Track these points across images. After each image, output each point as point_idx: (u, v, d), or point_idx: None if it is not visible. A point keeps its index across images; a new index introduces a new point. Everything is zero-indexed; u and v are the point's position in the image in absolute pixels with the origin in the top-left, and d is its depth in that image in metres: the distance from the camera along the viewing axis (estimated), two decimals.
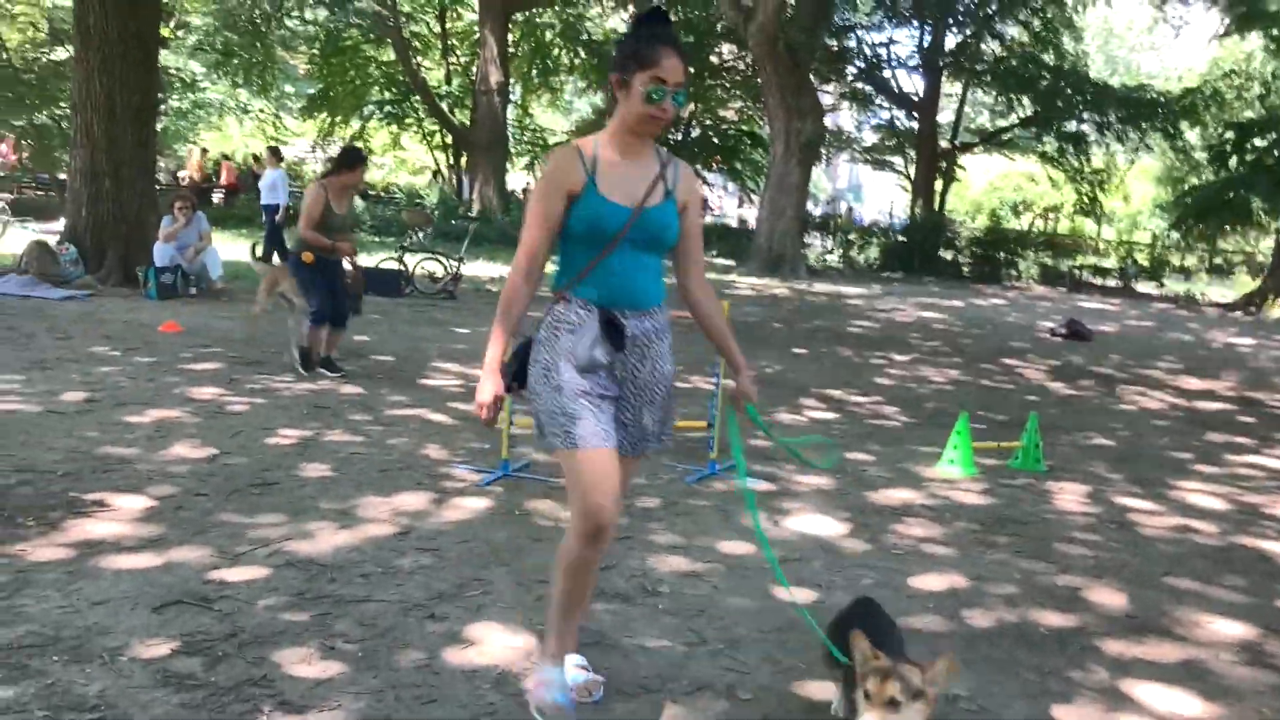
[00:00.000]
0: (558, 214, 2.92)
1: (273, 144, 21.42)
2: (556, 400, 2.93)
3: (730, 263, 25.12)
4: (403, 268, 13.59)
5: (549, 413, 2.96)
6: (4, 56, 24.82)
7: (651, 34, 2.91)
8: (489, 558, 4.29)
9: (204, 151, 34.76)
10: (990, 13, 31.17)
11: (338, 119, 34.57)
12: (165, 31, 27.80)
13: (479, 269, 17.99)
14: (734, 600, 4.06)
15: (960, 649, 3.73)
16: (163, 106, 31.87)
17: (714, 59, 34.03)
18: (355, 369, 8.15)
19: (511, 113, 35.08)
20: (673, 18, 25.00)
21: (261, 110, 34.49)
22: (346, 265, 8.05)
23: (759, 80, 24.80)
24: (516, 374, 3.07)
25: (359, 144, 36.10)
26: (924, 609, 4.13)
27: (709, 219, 40.15)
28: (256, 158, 28.71)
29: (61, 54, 24.60)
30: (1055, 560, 4.86)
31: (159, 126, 32.00)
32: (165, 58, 29.50)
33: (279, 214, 15.39)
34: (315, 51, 33.13)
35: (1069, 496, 6.05)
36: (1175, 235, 31.29)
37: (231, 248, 16.26)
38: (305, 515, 4.65)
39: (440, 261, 13.91)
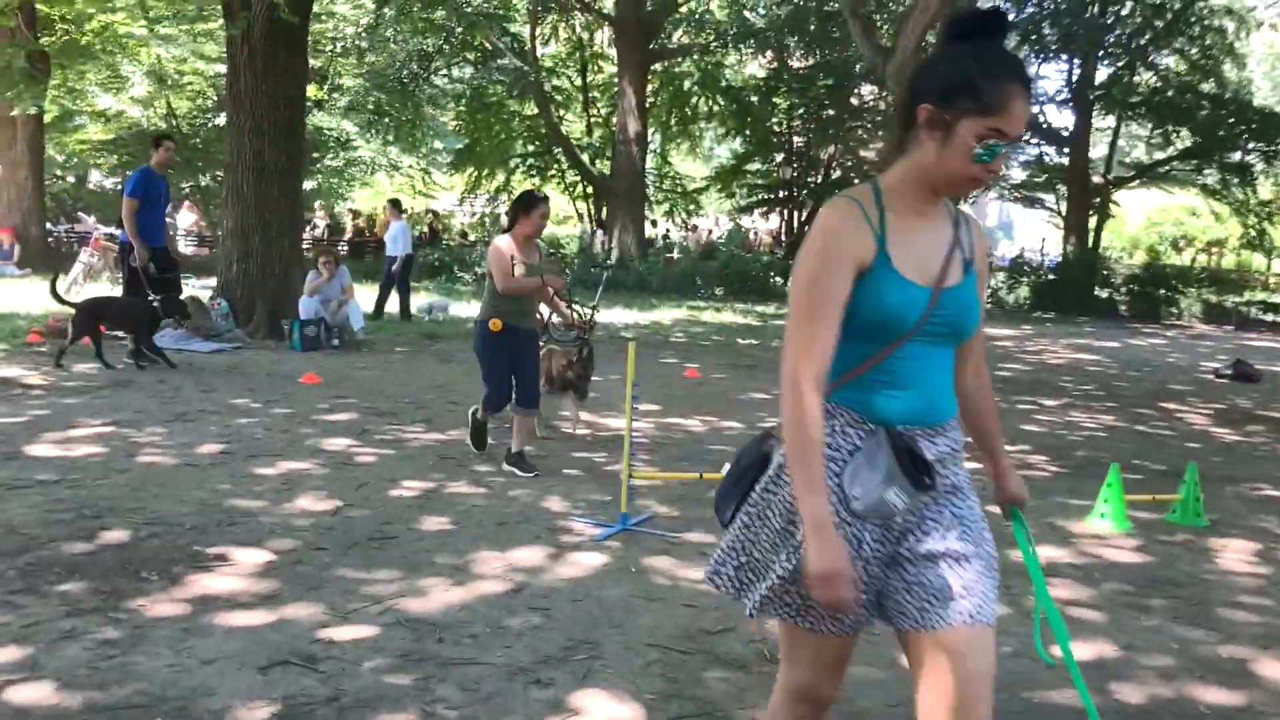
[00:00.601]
0: (844, 295, 2.11)
1: (394, 197, 22.02)
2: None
3: None
4: (538, 316, 13.64)
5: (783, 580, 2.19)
6: (173, 122, 26.27)
7: (1003, 63, 2.08)
8: (600, 619, 4.15)
9: (354, 215, 36.20)
10: (1144, 43, 30.01)
11: (484, 172, 35.48)
12: (318, 93, 29.10)
13: (614, 315, 18.03)
14: (857, 669, 3.80)
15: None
16: (317, 165, 33.37)
17: (854, 100, 33.72)
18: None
19: (651, 161, 35.42)
20: (810, 59, 24.88)
21: (410, 166, 35.61)
22: (555, 318, 8.11)
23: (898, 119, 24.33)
24: (737, 504, 2.37)
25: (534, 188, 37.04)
26: (1066, 681, 3.79)
27: None
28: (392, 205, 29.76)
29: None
30: (1218, 627, 4.44)
31: (313, 185, 33.62)
32: (319, 118, 30.87)
33: (397, 264, 15.74)
34: (461, 108, 34.14)
35: (1234, 555, 5.57)
36: None
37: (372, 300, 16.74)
38: (420, 570, 4.60)
39: (575, 309, 13.95)
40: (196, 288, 14.97)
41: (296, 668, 3.56)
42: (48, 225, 21.15)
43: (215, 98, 27.93)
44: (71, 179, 30.90)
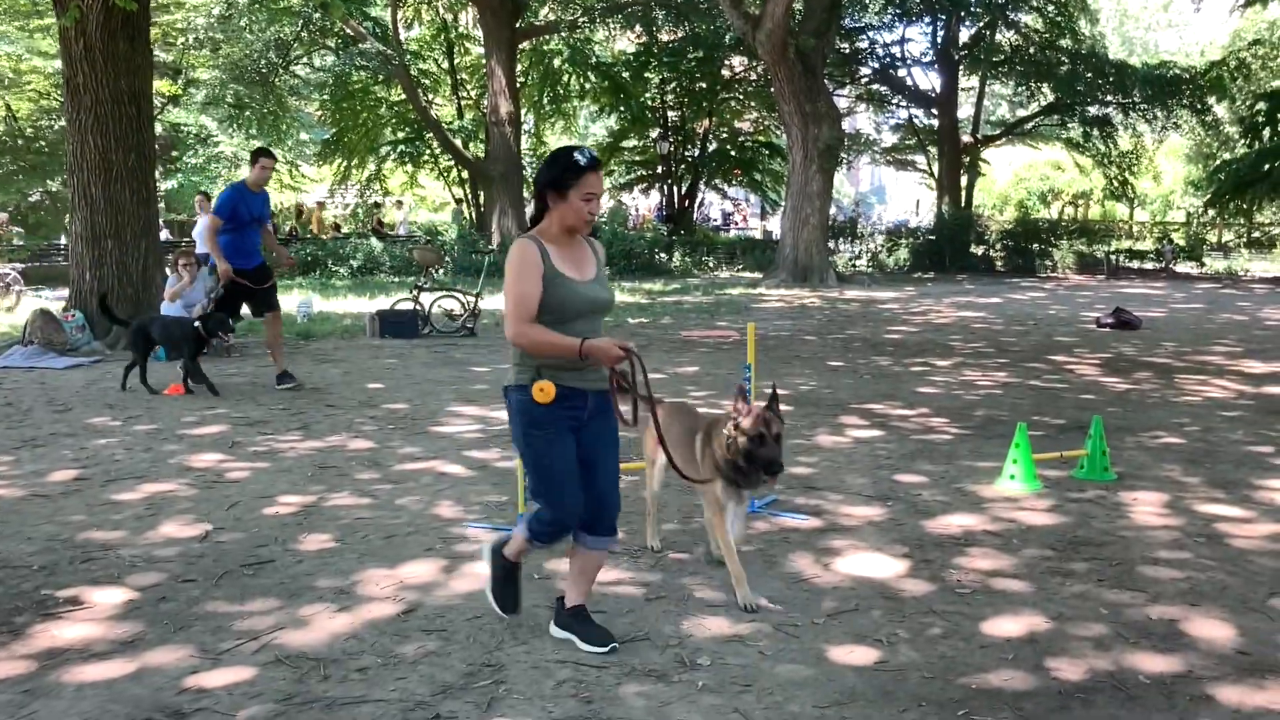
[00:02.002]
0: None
1: (205, 189, 21.08)
2: None
3: (756, 275, 24.59)
4: (419, 307, 13.17)
5: None
6: (15, 125, 24.79)
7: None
8: (503, 636, 3.80)
9: (320, 205, 34.86)
10: (1003, 2, 30.55)
11: (354, 162, 34.45)
12: (172, 89, 27.81)
13: (495, 302, 17.54)
14: (784, 668, 3.54)
15: (1050, 713, 3.19)
16: (177, 163, 31.96)
17: (725, 72, 33.63)
18: (365, 420, 7.70)
19: (527, 142, 34.80)
20: (679, 32, 24.62)
21: (281, 160, 34.37)
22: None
23: (772, 89, 24.31)
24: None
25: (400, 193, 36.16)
26: (1002, 661, 3.59)
27: (734, 233, 39.71)
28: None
29: None
30: (1143, 587, 4.31)
31: (173, 184, 32.21)
32: (175, 114, 29.55)
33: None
34: (325, 98, 33.04)
35: (1146, 508, 5.49)
36: (1211, 212, 30.46)
37: None
38: (300, 597, 4.17)
39: (457, 298, 13.49)
40: (48, 299, 14.03)
41: None
42: None
43: (60, 98, 26.49)
44: None
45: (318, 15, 27.55)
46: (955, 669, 3.53)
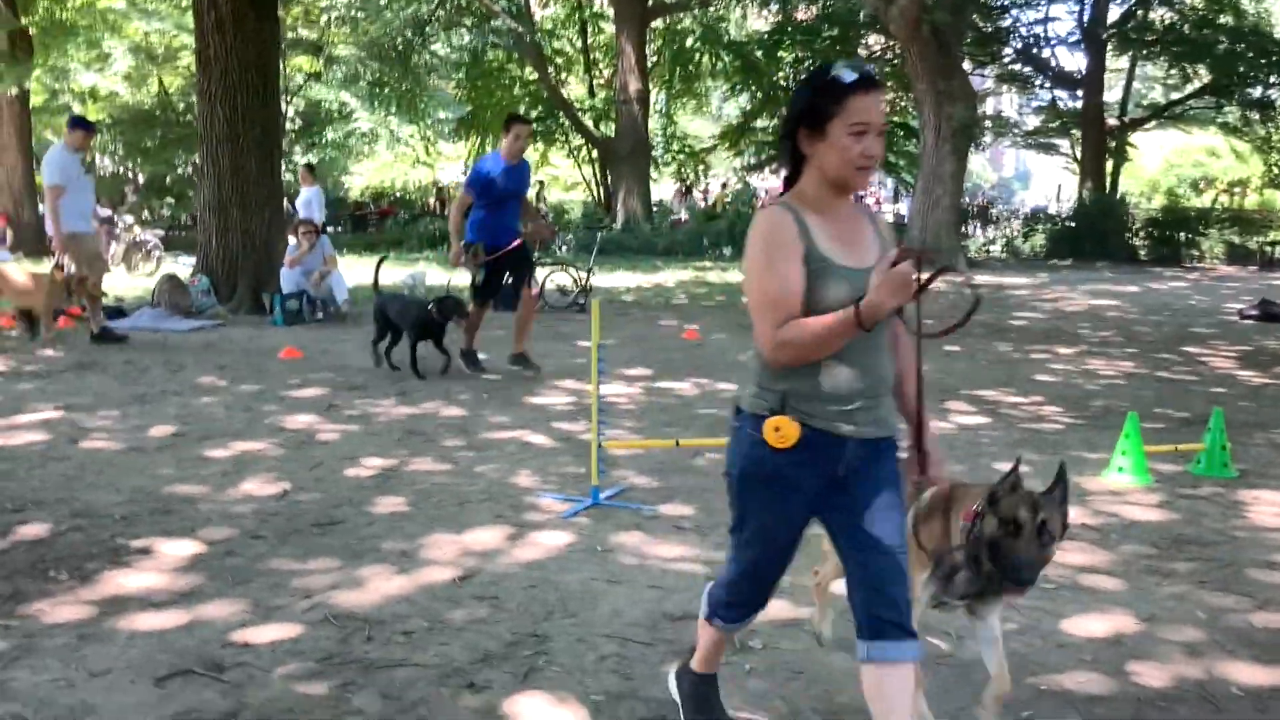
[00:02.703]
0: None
1: (309, 162, 21.43)
2: None
3: None
4: (533, 281, 13.19)
5: None
6: (166, 99, 25.81)
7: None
8: (554, 607, 3.71)
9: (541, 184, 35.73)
10: None
11: (487, 140, 34.91)
12: (314, 65, 28.58)
13: (614, 279, 17.52)
14: (839, 657, 3.35)
15: (1127, 717, 2.94)
16: (319, 138, 32.85)
17: (861, 50, 32.91)
18: (462, 389, 7.72)
19: (657, 122, 34.72)
20: (814, 10, 24.11)
21: (411, 136, 35.04)
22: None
23: (905, 67, 23.65)
24: None
25: None
26: (1079, 662, 3.34)
27: None
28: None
29: None
30: (1250, 592, 3.97)
31: (317, 159, 33.14)
32: (317, 91, 30.34)
33: None
34: (461, 75, 33.53)
35: (1266, 508, 5.09)
36: None
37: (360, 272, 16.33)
38: (362, 559, 4.16)
39: (570, 274, 13.49)
40: (177, 264, 14.55)
41: (199, 678, 3.14)
42: (40, 209, 20.66)
43: None
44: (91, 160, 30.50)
45: None
46: (1026, 667, 3.29)
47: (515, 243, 8.21)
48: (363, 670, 3.20)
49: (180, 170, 26.95)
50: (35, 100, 21.49)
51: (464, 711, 2.97)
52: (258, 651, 3.32)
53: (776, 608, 3.72)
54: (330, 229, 22.97)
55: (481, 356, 8.63)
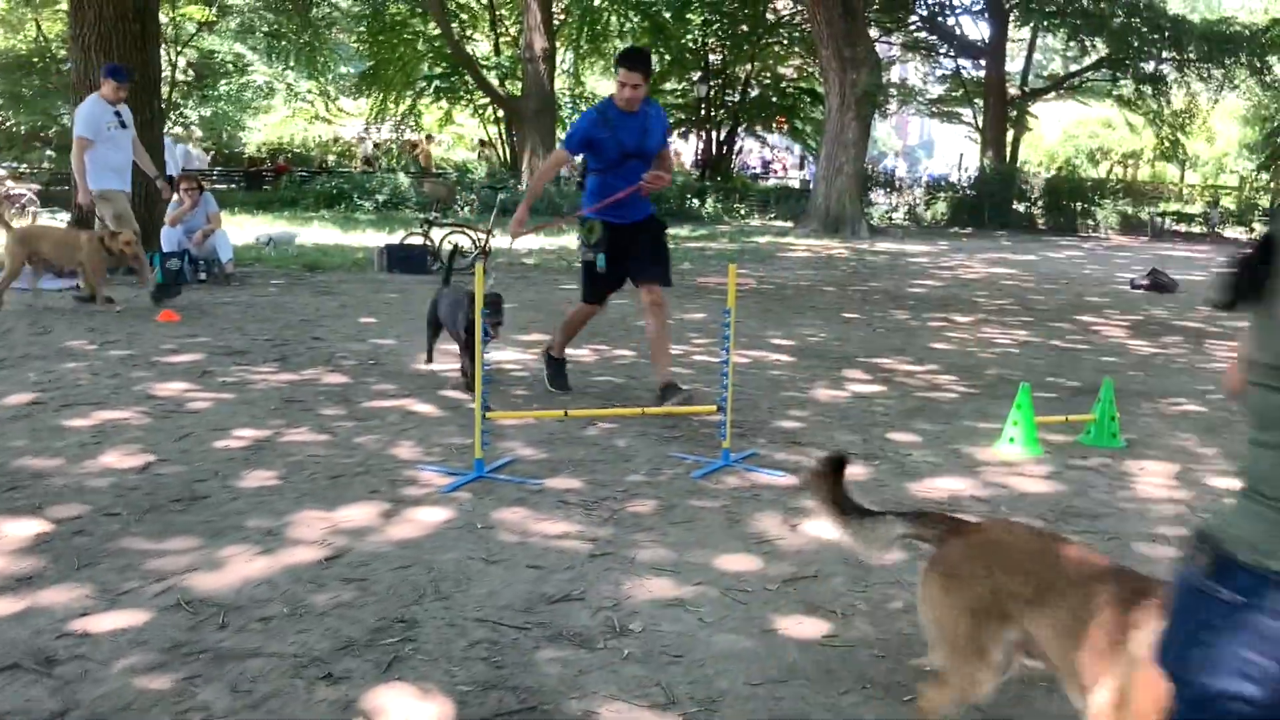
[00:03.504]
0: None
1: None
2: None
3: (788, 224, 24.04)
4: (428, 243, 12.87)
5: None
6: (44, 45, 24.58)
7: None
8: (425, 589, 3.51)
9: (429, 138, 34.57)
10: None
11: (390, 96, 34.06)
12: (205, 15, 27.51)
13: (520, 242, 17.19)
14: (722, 638, 3.22)
15: (1007, 701, 2.86)
16: (211, 91, 31.70)
17: (770, 15, 32.83)
18: (347, 355, 7.43)
19: (565, 81, 34.24)
20: None
21: (310, 91, 34.05)
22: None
23: (812, 33, 23.62)
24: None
25: (414, 119, 35.74)
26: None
27: (772, 182, 38.99)
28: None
29: None
30: (1137, 565, 3.93)
31: (207, 112, 32.00)
32: (211, 41, 29.25)
33: None
34: (363, 30, 32.61)
35: (1152, 479, 5.10)
36: (1265, 176, 29.46)
37: (250, 231, 15.80)
38: (223, 537, 3.91)
39: (468, 234, 13.17)
40: (55, 220, 13.85)
41: (26, 673, 2.88)
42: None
43: None
44: None
45: None
46: (911, 648, 3.20)
47: (644, 215, 6.23)
48: (212, 661, 2.98)
49: (65, 121, 25.76)
50: None
51: (319, 705, 2.77)
52: (97, 642, 3.07)
53: (659, 585, 3.59)
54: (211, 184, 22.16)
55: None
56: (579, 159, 6.49)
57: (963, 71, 34.30)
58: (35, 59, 24.24)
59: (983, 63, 32.30)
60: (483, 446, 4.76)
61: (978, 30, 32.99)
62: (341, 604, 3.38)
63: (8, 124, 27.78)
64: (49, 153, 26.43)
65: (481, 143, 34.35)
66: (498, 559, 3.79)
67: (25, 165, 23.62)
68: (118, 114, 9.06)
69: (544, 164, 6.94)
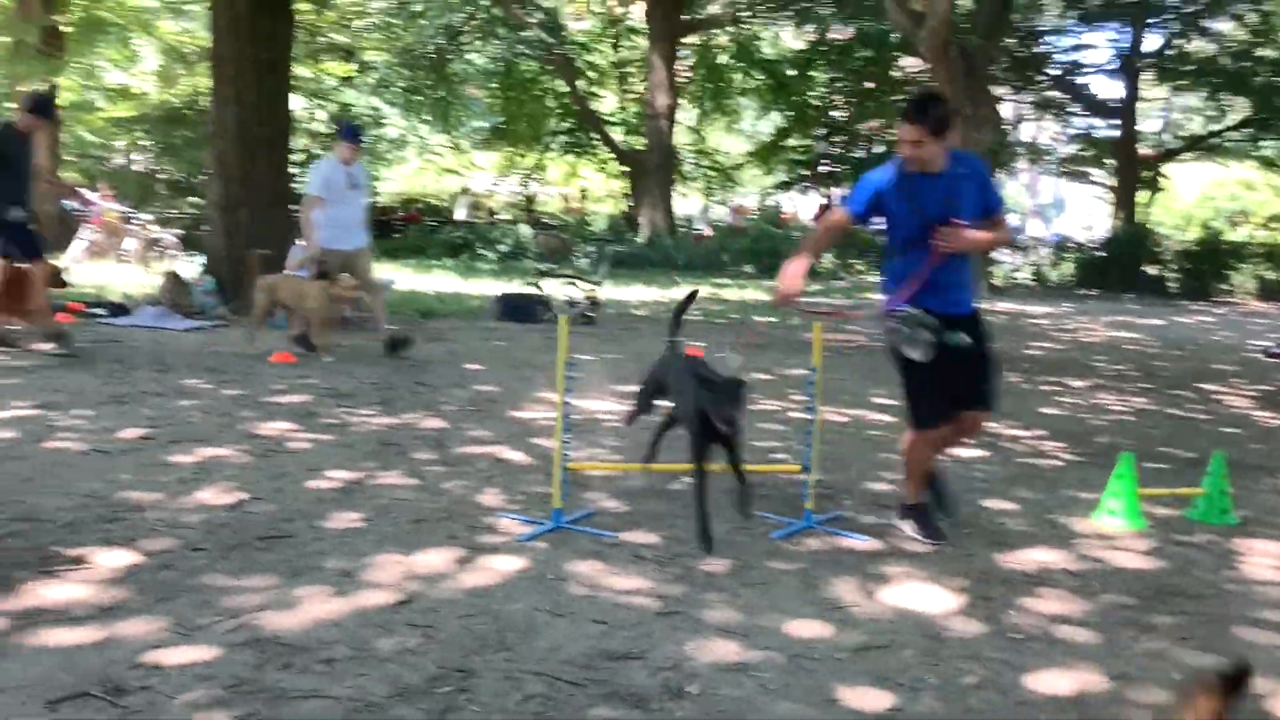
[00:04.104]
0: None
1: None
2: None
3: None
4: (541, 293, 13.08)
5: None
6: (196, 100, 25.91)
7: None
8: (489, 639, 3.52)
9: (583, 194, 35.66)
10: (1197, 9, 28.62)
11: (518, 150, 34.94)
12: (346, 70, 28.64)
13: (629, 293, 17.36)
14: (782, 706, 3.15)
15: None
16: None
17: (896, 73, 32.68)
18: (448, 400, 7.57)
19: (686, 137, 34.62)
20: (846, 31, 23.86)
21: (441, 144, 35.08)
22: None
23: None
24: None
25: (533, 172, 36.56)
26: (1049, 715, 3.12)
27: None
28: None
29: None
30: (1233, 651, 3.72)
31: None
32: (349, 95, 30.40)
33: None
34: (494, 85, 33.58)
35: (1263, 560, 4.83)
36: None
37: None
38: (301, 577, 3.99)
39: (578, 286, 13.34)
40: (194, 264, 14.50)
41: (95, 701, 2.97)
42: (64, 204, 20.70)
43: None
44: (119, 160, 30.57)
45: (485, 2, 27.94)
46: None
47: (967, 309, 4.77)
48: (270, 700, 3.03)
49: (207, 169, 27.08)
50: (67, 98, 21.55)
51: None
52: (166, 675, 3.15)
53: (723, 648, 3.53)
54: None
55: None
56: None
57: (1093, 131, 33.51)
58: (186, 110, 25.56)
59: (1116, 121, 31.52)
60: (563, 497, 4.78)
61: (1110, 89, 32.22)
62: (405, 650, 3.41)
63: (158, 173, 29.30)
64: (192, 198, 27.74)
65: (581, 195, 34.87)
66: (564, 612, 3.78)
67: (173, 211, 24.85)
68: (350, 175, 9.34)
69: (820, 225, 5.29)
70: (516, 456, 6.06)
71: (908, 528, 4.87)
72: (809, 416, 5.17)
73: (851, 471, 6.10)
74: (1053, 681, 3.41)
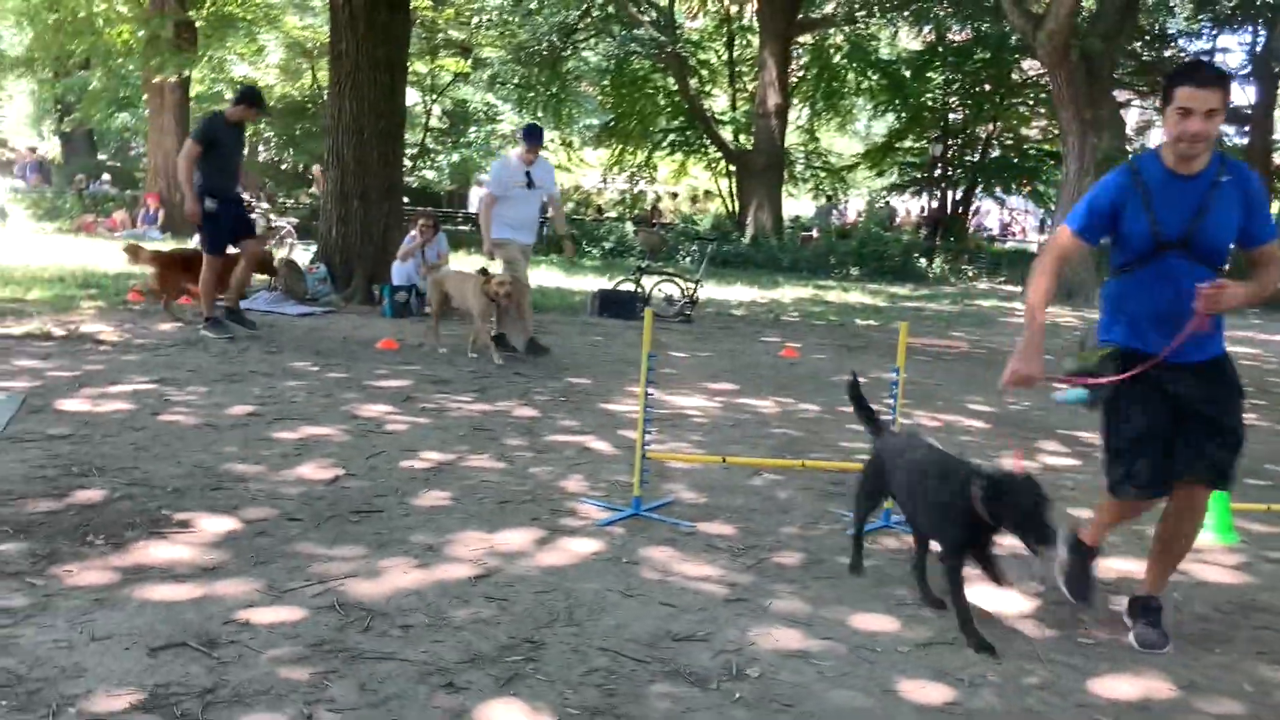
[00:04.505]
0: None
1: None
2: None
3: (1016, 289, 23.25)
4: (639, 289, 13.22)
5: None
6: (320, 91, 26.79)
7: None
8: (559, 614, 3.65)
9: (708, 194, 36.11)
10: None
11: (628, 147, 35.20)
12: (461, 66, 29.27)
13: (729, 293, 17.41)
14: (839, 694, 3.21)
15: None
16: (462, 138, 33.65)
17: (1016, 75, 32.00)
18: (542, 390, 7.75)
19: (798, 137, 34.44)
20: (964, 32, 23.40)
21: (552, 141, 35.54)
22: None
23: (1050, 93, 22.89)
24: None
25: (645, 172, 36.81)
26: None
27: (1010, 244, 37.78)
28: None
29: None
30: None
31: (456, 158, 33.95)
32: (464, 91, 31.06)
33: None
34: (606, 83, 33.90)
35: None
36: None
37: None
38: (387, 549, 4.18)
39: (678, 283, 13.44)
40: (309, 251, 15.01)
41: (191, 651, 3.19)
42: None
43: None
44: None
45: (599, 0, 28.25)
46: None
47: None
48: (349, 660, 3.21)
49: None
50: (195, 89, 22.53)
51: (434, 711, 2.94)
52: (255, 631, 3.36)
53: (786, 636, 3.60)
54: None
55: None
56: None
57: (1224, 137, 32.34)
58: (309, 104, 26.44)
59: (1246, 129, 30.38)
60: (642, 485, 4.90)
61: (1244, 95, 31.02)
62: (479, 620, 3.56)
63: (281, 163, 30.37)
64: (312, 190, 28.69)
65: (693, 198, 34.89)
66: (635, 593, 3.89)
67: (291, 200, 25.72)
68: (528, 174, 9.31)
69: (1045, 257, 3.95)
70: (603, 446, 6.20)
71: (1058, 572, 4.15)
72: (906, 419, 5.18)
73: None
74: (1117, 687, 3.40)
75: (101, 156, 33.13)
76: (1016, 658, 3.57)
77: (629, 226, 26.30)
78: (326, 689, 3.02)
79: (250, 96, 9.25)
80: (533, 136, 9.48)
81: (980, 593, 4.14)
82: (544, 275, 18.04)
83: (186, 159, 8.73)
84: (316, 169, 18.33)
